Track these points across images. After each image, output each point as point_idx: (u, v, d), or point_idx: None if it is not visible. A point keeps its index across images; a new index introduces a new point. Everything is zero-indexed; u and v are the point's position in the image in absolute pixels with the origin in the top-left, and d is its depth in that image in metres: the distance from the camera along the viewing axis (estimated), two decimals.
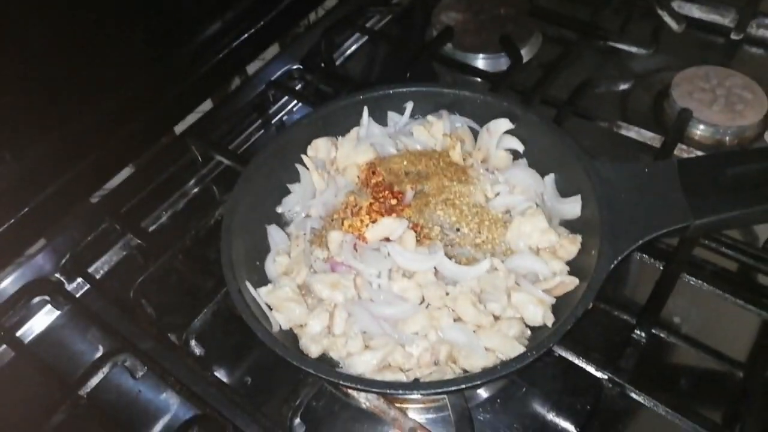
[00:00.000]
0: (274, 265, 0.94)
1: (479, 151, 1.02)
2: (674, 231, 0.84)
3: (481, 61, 1.41)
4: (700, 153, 1.14)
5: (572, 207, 0.93)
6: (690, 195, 0.86)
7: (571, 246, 0.89)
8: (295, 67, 1.41)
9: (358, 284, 0.86)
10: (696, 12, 1.43)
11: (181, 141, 1.25)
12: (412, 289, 0.86)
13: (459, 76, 1.40)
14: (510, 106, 1.02)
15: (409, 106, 1.07)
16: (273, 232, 0.97)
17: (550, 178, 0.98)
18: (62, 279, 1.09)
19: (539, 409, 0.90)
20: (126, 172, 1.28)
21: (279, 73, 1.41)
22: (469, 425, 0.80)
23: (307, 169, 1.02)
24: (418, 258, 0.86)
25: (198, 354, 0.96)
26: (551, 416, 0.89)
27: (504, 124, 1.01)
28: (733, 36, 1.37)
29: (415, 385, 0.80)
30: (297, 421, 0.86)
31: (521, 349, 0.80)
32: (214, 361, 0.97)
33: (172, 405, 0.95)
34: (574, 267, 0.90)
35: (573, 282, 0.85)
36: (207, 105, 1.43)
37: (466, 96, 1.06)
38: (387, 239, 0.89)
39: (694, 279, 0.96)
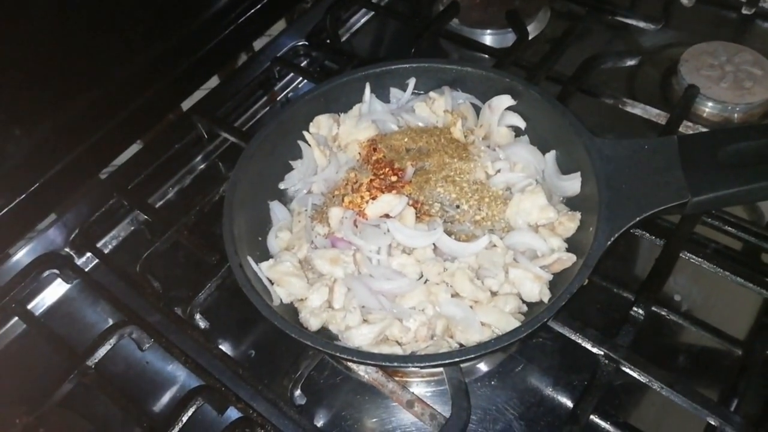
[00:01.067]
0: (275, 240, 0.95)
1: (481, 128, 1.02)
2: (672, 208, 0.84)
3: (487, 37, 1.40)
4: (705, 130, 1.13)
5: (572, 184, 0.93)
6: (689, 172, 0.85)
7: (570, 223, 0.90)
8: (300, 43, 1.41)
9: (357, 260, 0.87)
10: None
11: (188, 118, 1.26)
12: (411, 265, 0.87)
13: (465, 52, 1.39)
14: (511, 82, 1.01)
15: (411, 82, 1.07)
16: (275, 207, 0.99)
17: (551, 155, 0.98)
18: (72, 253, 1.11)
19: (536, 384, 0.91)
20: (133, 149, 1.30)
21: (285, 49, 1.41)
22: (466, 398, 0.81)
23: (309, 145, 1.03)
24: (417, 235, 0.87)
25: (203, 327, 0.98)
26: (548, 391, 0.91)
27: (506, 100, 1.01)
28: (745, 11, 1.35)
29: (411, 357, 0.81)
30: (298, 392, 0.88)
31: (516, 324, 0.81)
32: (218, 335, 0.99)
33: (178, 376, 0.98)
34: (573, 243, 0.90)
35: (570, 259, 0.85)
36: (213, 81, 1.43)
37: (467, 72, 1.06)
38: (387, 216, 0.90)
39: (694, 257, 0.96)
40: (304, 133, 1.03)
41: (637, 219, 0.83)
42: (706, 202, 0.84)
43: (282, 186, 1.02)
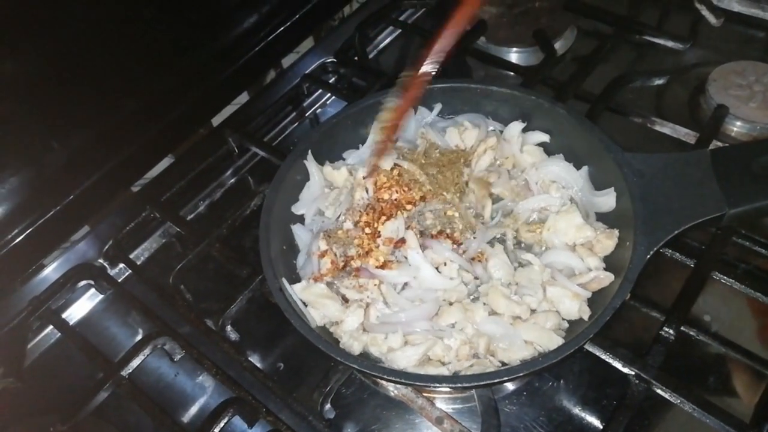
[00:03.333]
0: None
1: (507, 160, 1.03)
2: (709, 221, 0.84)
3: (514, 55, 1.41)
4: None
5: (607, 200, 0.93)
6: (724, 184, 0.85)
7: (607, 241, 0.90)
8: (329, 60, 1.43)
9: (383, 291, 0.88)
10: (735, 6, 1.40)
11: (218, 132, 1.29)
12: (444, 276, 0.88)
13: (491, 69, 1.40)
14: (537, 100, 1.02)
15: (437, 108, 1.09)
16: (298, 231, 1.00)
17: (585, 170, 0.98)
18: (105, 264, 1.14)
19: (565, 403, 0.91)
20: (165, 163, 1.32)
21: (313, 66, 1.43)
22: (495, 416, 0.82)
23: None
24: (438, 278, 0.88)
25: (233, 339, 1.00)
26: (577, 410, 0.90)
27: (516, 127, 1.02)
28: None
29: (464, 378, 0.81)
30: (327, 406, 0.89)
31: (560, 341, 0.81)
32: (248, 347, 1.01)
33: (207, 388, 1.00)
34: (609, 262, 0.90)
35: (608, 277, 0.85)
36: (243, 97, 1.46)
37: (492, 91, 1.07)
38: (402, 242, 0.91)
39: (725, 277, 0.95)
40: (306, 162, 1.04)
41: (675, 232, 0.83)
42: (744, 214, 0.84)
43: (294, 210, 1.03)
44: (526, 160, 1.03)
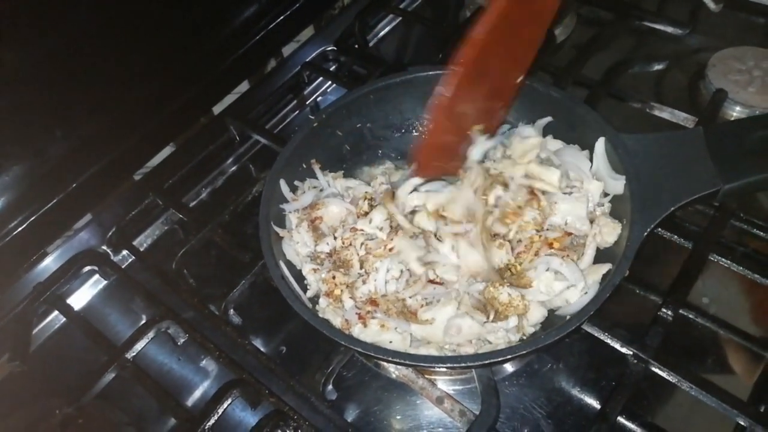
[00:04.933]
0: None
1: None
2: (704, 197, 0.85)
3: None
4: None
5: (617, 184, 0.92)
6: (718, 160, 0.86)
7: (609, 233, 0.89)
8: (329, 48, 1.44)
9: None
10: None
11: (220, 121, 1.29)
12: None
13: None
14: (531, 85, 1.02)
15: None
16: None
17: (601, 143, 0.95)
18: (109, 251, 1.15)
19: (564, 384, 0.92)
20: (167, 151, 1.33)
21: (314, 54, 1.43)
22: (495, 396, 0.83)
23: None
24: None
25: (236, 323, 1.01)
26: (576, 391, 0.91)
27: (527, 131, 1.02)
28: None
29: (465, 358, 0.81)
30: (329, 387, 0.90)
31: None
32: (251, 331, 1.02)
33: (211, 371, 1.01)
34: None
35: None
36: (244, 86, 1.47)
37: None
38: None
39: (723, 259, 0.96)
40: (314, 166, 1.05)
41: (671, 209, 0.84)
42: (738, 189, 0.85)
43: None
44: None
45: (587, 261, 0.88)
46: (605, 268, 0.86)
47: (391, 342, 0.85)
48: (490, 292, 0.85)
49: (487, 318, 0.84)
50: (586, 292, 0.84)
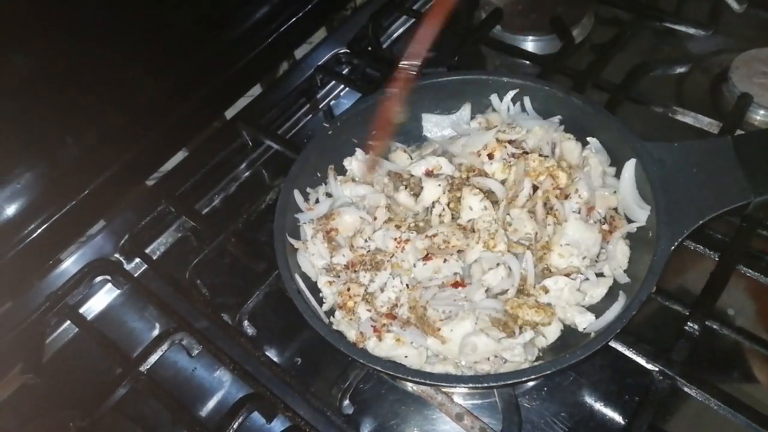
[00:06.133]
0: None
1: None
2: (734, 209, 0.83)
3: (530, 44, 1.39)
4: None
5: (641, 213, 0.90)
6: (747, 171, 0.84)
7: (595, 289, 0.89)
8: (342, 51, 1.42)
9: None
10: None
11: (232, 125, 1.28)
12: None
13: (507, 59, 1.38)
14: (551, 90, 1.01)
15: (467, 108, 1.08)
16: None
17: (631, 166, 0.92)
18: (121, 259, 1.14)
19: (586, 398, 0.90)
20: (179, 156, 1.32)
21: (326, 57, 1.42)
22: (517, 412, 0.81)
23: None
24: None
25: (250, 334, 0.99)
26: (598, 406, 0.89)
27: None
28: None
29: (487, 378, 0.80)
30: (346, 402, 0.89)
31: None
32: (265, 342, 1.00)
33: (225, 383, 0.99)
34: (633, 253, 0.89)
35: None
36: (256, 90, 1.45)
37: (503, 82, 1.06)
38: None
39: (750, 271, 0.93)
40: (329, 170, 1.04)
41: (700, 222, 0.82)
42: None
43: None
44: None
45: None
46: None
47: (406, 357, 0.84)
48: (515, 307, 0.83)
49: (513, 334, 0.82)
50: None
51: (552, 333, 0.86)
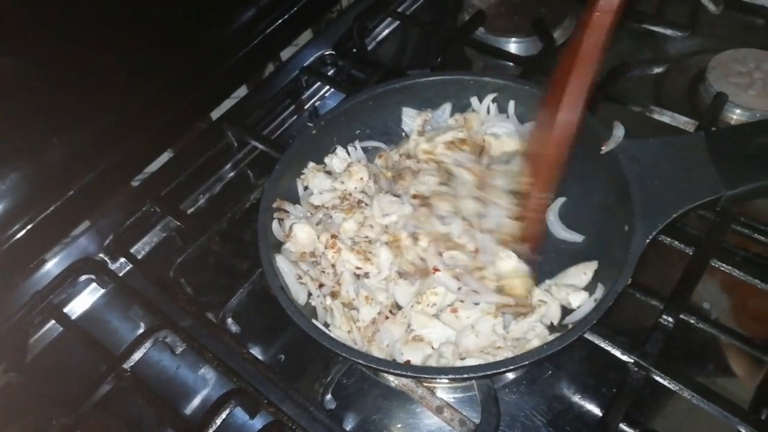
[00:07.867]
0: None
1: None
2: (706, 203, 0.85)
3: (513, 45, 1.41)
4: None
5: (573, 236, 0.98)
6: (720, 166, 0.86)
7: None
8: (327, 52, 1.43)
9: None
10: None
11: (217, 126, 1.28)
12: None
13: (490, 60, 1.40)
14: (531, 89, 1.03)
15: (447, 107, 1.10)
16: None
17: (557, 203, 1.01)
18: (106, 259, 1.14)
19: (565, 391, 0.92)
20: (165, 157, 1.33)
21: (312, 58, 1.43)
22: (495, 404, 0.82)
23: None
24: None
25: (234, 332, 1.00)
26: (576, 398, 0.91)
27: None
28: None
29: (467, 369, 0.81)
30: (328, 397, 0.90)
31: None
32: (249, 339, 1.01)
33: (209, 380, 1.00)
34: (608, 246, 0.91)
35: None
36: (242, 91, 1.46)
37: (486, 82, 1.09)
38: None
39: (724, 264, 0.95)
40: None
41: (673, 216, 0.83)
42: (740, 195, 0.85)
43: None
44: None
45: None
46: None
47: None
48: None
49: (525, 315, 0.85)
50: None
51: (554, 312, 0.88)
